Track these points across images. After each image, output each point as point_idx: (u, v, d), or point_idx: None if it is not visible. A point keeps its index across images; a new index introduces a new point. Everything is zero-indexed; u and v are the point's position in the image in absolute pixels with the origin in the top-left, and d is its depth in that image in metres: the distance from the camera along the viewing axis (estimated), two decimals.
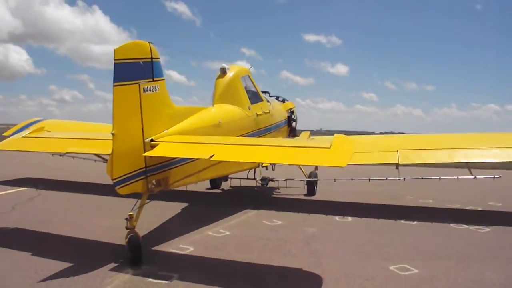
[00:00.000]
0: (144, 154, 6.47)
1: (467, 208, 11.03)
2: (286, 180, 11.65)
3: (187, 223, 8.83)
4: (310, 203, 11.57)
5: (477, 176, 9.48)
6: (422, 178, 10.94)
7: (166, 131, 7.11)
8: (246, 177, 11.49)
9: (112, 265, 6.31)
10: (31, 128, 12.16)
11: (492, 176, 9.96)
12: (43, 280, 5.70)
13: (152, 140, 6.70)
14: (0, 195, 11.87)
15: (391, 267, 6.51)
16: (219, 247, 7.41)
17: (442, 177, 10.60)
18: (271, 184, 12.03)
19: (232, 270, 6.39)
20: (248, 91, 10.22)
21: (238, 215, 9.72)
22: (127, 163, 6.44)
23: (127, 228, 6.57)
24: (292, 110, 13.12)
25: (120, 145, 6.30)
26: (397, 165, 9.32)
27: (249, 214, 9.91)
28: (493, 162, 9.18)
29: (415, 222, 9.37)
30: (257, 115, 10.31)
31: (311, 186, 12.18)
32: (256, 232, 8.46)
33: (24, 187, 12.94)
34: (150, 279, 5.85)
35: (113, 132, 6.22)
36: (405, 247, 7.62)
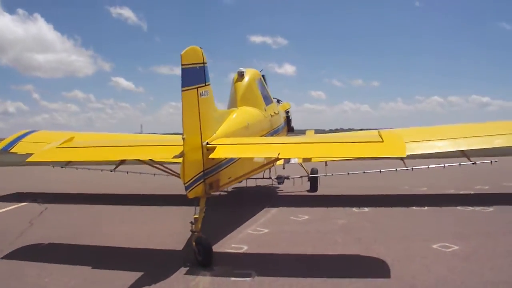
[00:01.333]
0: (211, 156, 6.64)
1: (461, 192, 12.09)
2: (301, 177, 12.09)
3: (220, 224, 8.96)
4: (320, 198, 12.09)
5: (477, 162, 10.39)
6: (428, 167, 11.76)
7: (214, 134, 7.30)
8: (262, 176, 11.75)
9: (183, 269, 6.32)
10: (29, 139, 11.81)
11: (490, 161, 11.04)
12: None
13: (207, 143, 6.87)
14: (4, 212, 11.31)
15: (434, 246, 7.14)
16: (270, 243, 7.70)
17: (446, 165, 11.51)
18: (261, 182, 12.51)
19: (301, 263, 6.68)
20: (262, 94, 10.56)
21: (262, 214, 10.01)
22: (193, 167, 6.59)
23: (192, 232, 6.67)
24: (288, 110, 13.59)
25: (189, 149, 6.44)
26: (402, 158, 9.99)
27: (272, 212, 10.24)
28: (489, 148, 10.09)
29: (426, 208, 10.20)
30: (271, 116, 10.70)
31: (314, 182, 12.69)
32: (292, 227, 8.82)
33: (23, 202, 12.34)
34: (233, 278, 5.96)
35: (183, 137, 6.35)
36: (432, 229, 8.34)
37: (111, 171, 11.49)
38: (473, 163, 10.33)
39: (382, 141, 6.56)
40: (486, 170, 14.31)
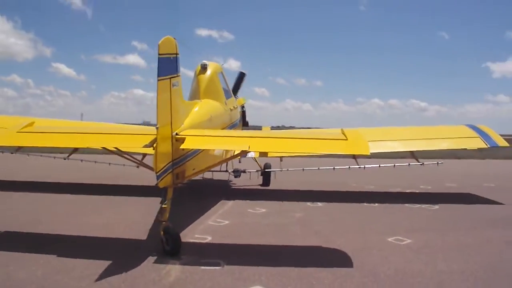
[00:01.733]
0: (182, 147, 6.63)
1: (407, 191, 12.78)
2: (257, 171, 12.28)
3: (179, 215, 8.86)
4: (274, 192, 12.35)
5: (424, 163, 11.08)
6: (379, 166, 12.36)
7: (182, 125, 7.30)
8: (219, 169, 11.80)
9: (151, 258, 6.30)
10: None
11: (436, 162, 11.78)
12: (99, 279, 5.47)
13: (177, 134, 6.87)
14: None
15: (389, 239, 7.59)
16: (233, 234, 7.82)
17: (396, 164, 12.15)
18: (219, 176, 12.62)
19: (266, 253, 6.87)
20: (223, 88, 10.63)
21: (219, 206, 10.11)
22: (164, 157, 6.60)
23: (160, 221, 6.67)
24: (243, 105, 13.73)
25: (161, 139, 6.44)
26: (355, 156, 10.49)
27: (229, 205, 10.36)
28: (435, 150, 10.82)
29: (376, 204, 10.73)
30: (231, 110, 10.81)
31: (267, 177, 12.95)
32: (251, 219, 9.01)
33: None
34: (203, 267, 6.01)
35: (157, 126, 6.34)
36: (385, 224, 8.82)
37: (64, 158, 11.14)
38: (421, 164, 10.99)
39: (346, 139, 6.83)
40: (431, 171, 15.28)
